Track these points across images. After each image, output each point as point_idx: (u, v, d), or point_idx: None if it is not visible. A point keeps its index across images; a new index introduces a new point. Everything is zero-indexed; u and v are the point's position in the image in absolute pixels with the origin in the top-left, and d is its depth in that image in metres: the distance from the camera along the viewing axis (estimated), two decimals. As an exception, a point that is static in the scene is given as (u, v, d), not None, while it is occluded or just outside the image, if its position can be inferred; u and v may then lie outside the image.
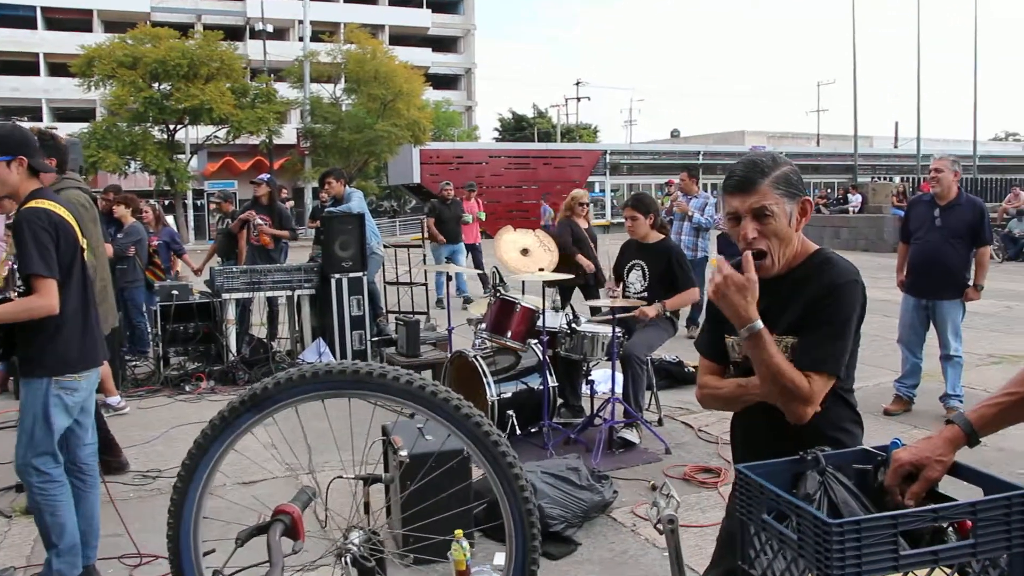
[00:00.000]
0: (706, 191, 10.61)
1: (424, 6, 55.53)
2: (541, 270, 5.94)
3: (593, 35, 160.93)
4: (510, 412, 5.74)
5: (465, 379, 6.19)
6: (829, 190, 45.51)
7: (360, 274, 8.36)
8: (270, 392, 1.83)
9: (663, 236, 6.38)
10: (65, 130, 31.19)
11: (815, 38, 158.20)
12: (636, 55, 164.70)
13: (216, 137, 34.35)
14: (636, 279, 6.33)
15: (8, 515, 5.01)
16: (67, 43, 39.98)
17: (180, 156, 34.37)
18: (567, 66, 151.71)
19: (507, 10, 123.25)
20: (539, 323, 5.94)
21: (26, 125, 4.00)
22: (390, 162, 36.73)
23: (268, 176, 9.82)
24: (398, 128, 33.28)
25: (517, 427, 5.76)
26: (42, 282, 3.47)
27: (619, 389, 5.97)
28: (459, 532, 3.75)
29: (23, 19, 46.34)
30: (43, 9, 46.84)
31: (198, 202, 40.14)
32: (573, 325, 5.83)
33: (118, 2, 46.63)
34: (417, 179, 37.72)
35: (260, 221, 9.16)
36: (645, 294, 6.17)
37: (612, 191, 46.73)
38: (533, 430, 5.91)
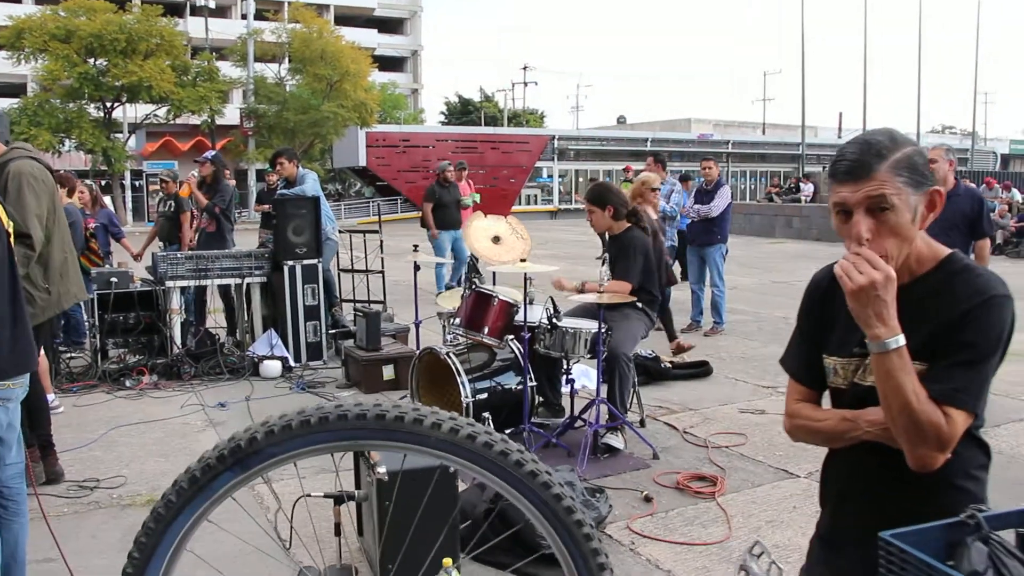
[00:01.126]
0: (673, 179, 10.22)
1: (370, -14, 54.51)
2: (523, 260, 5.47)
3: (540, 19, 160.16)
4: (486, 414, 5.29)
5: (436, 378, 5.73)
6: (777, 180, 45.74)
7: (315, 261, 7.80)
8: (259, 445, 1.33)
9: (629, 225, 5.93)
10: (-6, 105, 29.88)
11: (762, 26, 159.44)
12: (583, 40, 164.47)
13: (155, 116, 33.20)
14: (606, 272, 5.91)
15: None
16: (-6, 14, 38.39)
17: (117, 135, 33.14)
18: (514, 50, 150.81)
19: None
20: (518, 318, 5.50)
21: None
22: (335, 144, 35.93)
23: (214, 153, 9.18)
24: (345, 110, 32.47)
25: (494, 430, 5.29)
26: None
27: (593, 385, 5.55)
28: (447, 561, 3.29)
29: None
30: (-32, -22, 44.98)
31: (136, 183, 38.84)
32: (554, 320, 5.38)
33: (49, -28, 44.91)
34: (363, 162, 36.99)
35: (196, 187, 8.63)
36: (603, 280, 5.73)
37: (560, 176, 46.39)
38: (509, 431, 5.47)
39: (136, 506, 4.71)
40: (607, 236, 6.04)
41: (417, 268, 6.21)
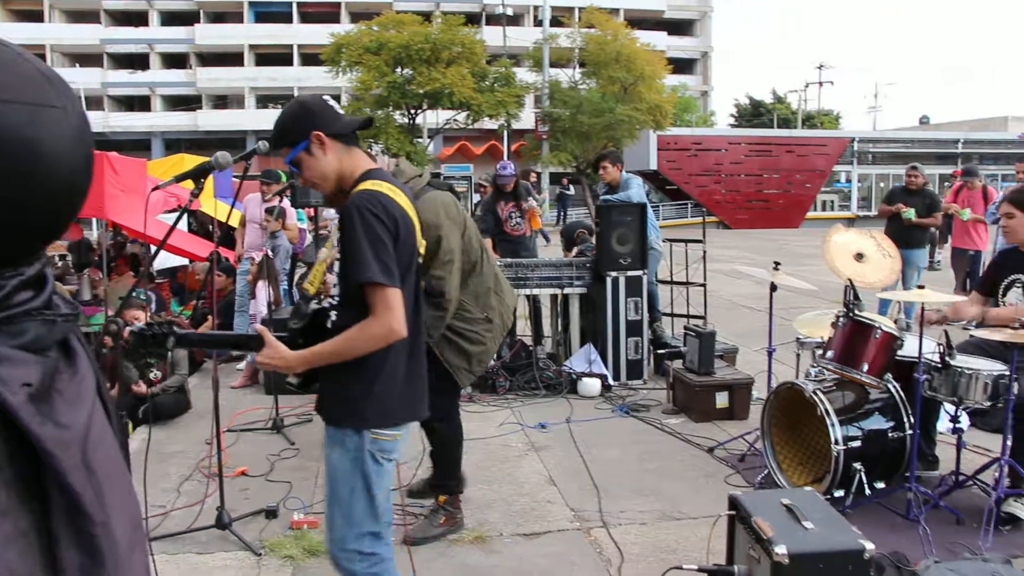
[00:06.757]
0: None
1: (660, -11, 53.92)
2: (921, 288, 4.55)
3: (835, 16, 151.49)
4: (858, 465, 4.44)
5: (792, 417, 4.94)
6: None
7: (639, 272, 7.23)
8: None
9: None
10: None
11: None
12: (881, 36, 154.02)
13: (455, 121, 34.37)
14: (1016, 298, 4.85)
15: (257, 551, 4.22)
16: (318, 34, 41.60)
17: (419, 140, 34.66)
18: (808, 49, 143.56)
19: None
20: (901, 353, 4.62)
21: None
22: (626, 148, 35.58)
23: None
24: (640, 112, 31.97)
25: (866, 485, 4.45)
26: (380, 293, 2.50)
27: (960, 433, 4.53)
28: None
29: (280, 14, 49.06)
30: (298, 4, 49.27)
31: (434, 185, 40.52)
32: (947, 358, 4.43)
33: (364, -7, 48.36)
34: (653, 166, 36.31)
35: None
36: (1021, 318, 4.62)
37: (859, 181, 43.38)
38: (880, 486, 4.59)
39: (464, 543, 4.31)
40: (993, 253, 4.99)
41: (774, 288, 5.44)
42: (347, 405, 2.63)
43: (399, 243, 2.56)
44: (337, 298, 2.69)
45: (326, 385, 2.70)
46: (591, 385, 6.97)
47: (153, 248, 11.05)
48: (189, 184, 3.10)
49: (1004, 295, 4.94)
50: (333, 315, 2.68)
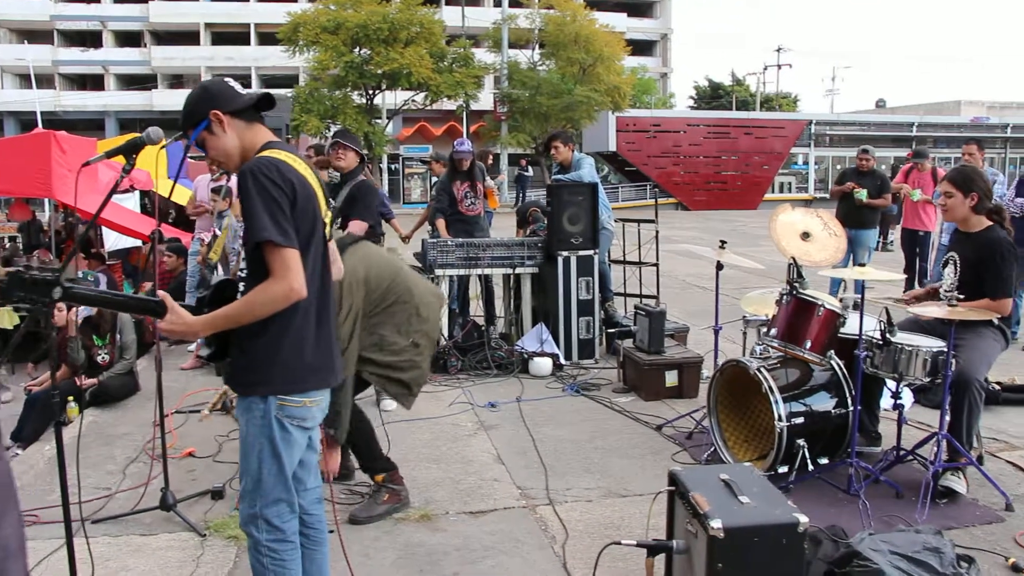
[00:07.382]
0: (992, 166, 8.81)
1: (619, -30, 53.78)
2: (862, 265, 4.61)
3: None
4: (801, 441, 4.50)
5: (737, 395, 4.99)
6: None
7: (591, 252, 7.25)
8: None
9: (991, 224, 4.87)
10: (271, 94, 31.86)
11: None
12: (839, 20, 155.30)
13: (413, 101, 34.16)
14: (947, 273, 4.94)
15: (202, 532, 4.19)
16: (275, 13, 40.95)
17: (378, 120, 34.42)
18: (767, 32, 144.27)
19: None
20: (843, 330, 4.68)
21: None
22: (585, 130, 35.62)
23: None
24: (598, 94, 32.01)
25: (809, 461, 4.51)
26: (278, 253, 2.52)
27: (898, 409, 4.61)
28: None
29: (237, -8, 48.22)
30: (255, -19, 48.54)
31: (392, 166, 40.34)
32: (887, 335, 4.50)
33: (323, -28, 47.59)
34: (612, 147, 36.42)
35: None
36: (955, 294, 4.69)
37: (816, 164, 43.83)
38: (823, 461, 4.67)
39: (410, 521, 4.31)
40: (941, 235, 5.06)
41: (720, 267, 5.50)
42: (254, 372, 2.65)
43: (296, 208, 2.59)
44: (246, 271, 2.69)
45: (234, 355, 2.71)
46: (542, 364, 6.99)
47: (100, 229, 10.88)
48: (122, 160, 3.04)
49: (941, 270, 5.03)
50: (242, 287, 2.70)
